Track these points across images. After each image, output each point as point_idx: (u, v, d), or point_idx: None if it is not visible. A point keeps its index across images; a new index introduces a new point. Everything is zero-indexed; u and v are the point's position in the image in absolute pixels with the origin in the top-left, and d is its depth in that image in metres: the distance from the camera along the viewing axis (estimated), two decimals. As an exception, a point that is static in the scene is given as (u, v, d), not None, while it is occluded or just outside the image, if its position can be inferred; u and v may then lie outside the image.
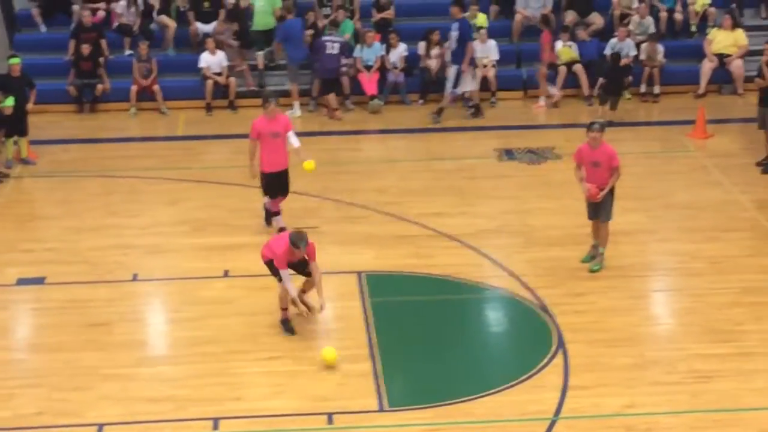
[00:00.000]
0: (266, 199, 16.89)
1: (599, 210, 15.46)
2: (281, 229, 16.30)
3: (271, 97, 16.38)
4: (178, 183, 19.38)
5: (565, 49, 23.85)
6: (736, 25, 24.01)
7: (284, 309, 14.10)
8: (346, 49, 23.47)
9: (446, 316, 14.65)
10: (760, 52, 20.28)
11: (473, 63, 22.58)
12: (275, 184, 16.62)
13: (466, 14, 23.11)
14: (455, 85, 22.31)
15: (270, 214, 17.00)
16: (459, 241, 16.58)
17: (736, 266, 15.65)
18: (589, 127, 15.29)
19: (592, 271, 15.52)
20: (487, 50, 23.85)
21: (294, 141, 16.47)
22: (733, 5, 25.33)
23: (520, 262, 15.90)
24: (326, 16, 24.52)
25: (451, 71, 22.36)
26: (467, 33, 22.23)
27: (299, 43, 23.41)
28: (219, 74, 23.51)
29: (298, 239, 13.56)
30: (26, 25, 25.21)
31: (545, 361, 13.28)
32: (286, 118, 16.77)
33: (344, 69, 23.31)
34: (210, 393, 12.67)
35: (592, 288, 15.11)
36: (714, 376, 12.91)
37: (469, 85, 22.59)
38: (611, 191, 15.35)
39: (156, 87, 23.47)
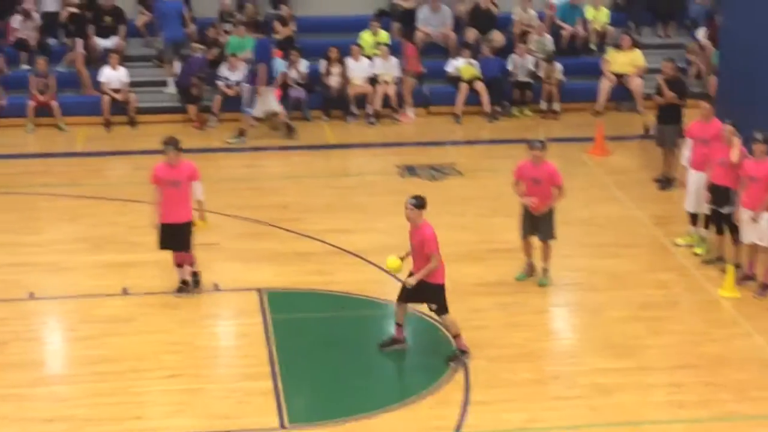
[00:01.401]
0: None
1: (538, 227, 15.56)
2: (183, 282, 15.44)
3: (170, 143, 15.10)
4: (77, 200, 19.12)
5: (466, 67, 24.02)
6: (633, 44, 24.36)
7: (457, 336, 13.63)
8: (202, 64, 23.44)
9: (348, 333, 14.62)
10: (658, 70, 20.57)
11: (272, 83, 22.48)
12: (167, 238, 15.16)
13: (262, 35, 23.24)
14: (250, 104, 22.32)
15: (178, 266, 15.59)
16: (361, 257, 16.56)
17: (635, 281, 15.83)
18: (531, 144, 15.45)
19: (541, 285, 15.64)
20: (389, 67, 23.93)
21: (198, 192, 15.64)
22: (631, 24, 25.71)
23: (421, 278, 15.90)
24: (227, 32, 24.40)
25: (245, 91, 22.43)
26: (261, 53, 22.26)
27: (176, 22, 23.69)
28: (118, 90, 23.26)
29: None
30: None
31: (446, 376, 13.29)
32: (190, 166, 15.27)
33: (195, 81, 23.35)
34: (109, 412, 12.48)
35: (493, 304, 15.18)
36: (614, 390, 13.02)
37: (269, 106, 22.53)
38: (551, 210, 15.47)
39: (54, 103, 23.15)
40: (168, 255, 16.49)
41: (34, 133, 23.00)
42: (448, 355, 13.71)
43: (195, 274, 15.48)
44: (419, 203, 13.48)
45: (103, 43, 24.25)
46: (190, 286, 15.39)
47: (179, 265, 15.36)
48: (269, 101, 22.41)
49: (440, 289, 13.54)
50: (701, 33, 25.01)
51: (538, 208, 15.41)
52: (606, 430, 12.27)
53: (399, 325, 13.90)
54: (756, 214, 15.13)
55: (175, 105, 23.72)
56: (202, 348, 14.10)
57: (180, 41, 24.02)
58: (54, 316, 15.05)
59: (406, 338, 13.96)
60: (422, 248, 13.52)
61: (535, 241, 15.81)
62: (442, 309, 13.57)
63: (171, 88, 23.66)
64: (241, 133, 22.40)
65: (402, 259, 13.60)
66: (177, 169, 15.03)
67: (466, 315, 14.72)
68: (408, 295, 13.68)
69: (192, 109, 23.34)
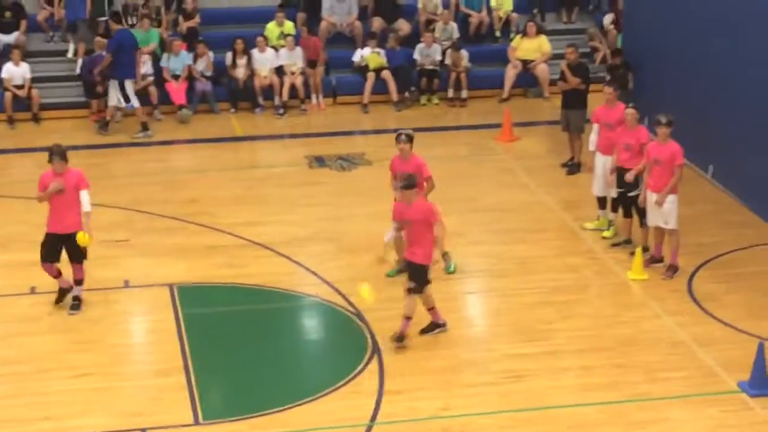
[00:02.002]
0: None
1: None
2: (61, 291, 14.84)
3: (56, 153, 14.43)
4: (-19, 199, 18.84)
5: (373, 56, 24.02)
6: (539, 31, 24.54)
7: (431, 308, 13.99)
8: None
9: (260, 326, 14.58)
10: (562, 56, 20.75)
11: (119, 75, 22.13)
12: (50, 248, 14.60)
13: (123, 26, 23.14)
14: (126, 99, 22.12)
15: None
16: (272, 249, 16.51)
17: (544, 266, 15.97)
18: (396, 138, 15.32)
19: (448, 272, 15.62)
20: (294, 57, 23.86)
21: (85, 203, 14.55)
22: (535, 11, 25.89)
23: (333, 269, 15.92)
24: (132, 26, 24.15)
25: (111, 85, 22.23)
26: (121, 45, 22.07)
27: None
28: (21, 86, 22.92)
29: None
30: None
31: (360, 367, 13.31)
32: (77, 174, 14.66)
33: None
34: (18, 413, 12.33)
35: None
36: (525, 375, 13.14)
37: (113, 100, 22.29)
38: None
39: (-45, 100, 22.76)
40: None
41: (-66, 132, 22.60)
42: (422, 328, 13.95)
43: (77, 299, 14.80)
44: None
45: (3, 38, 23.86)
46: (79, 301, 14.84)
47: (58, 276, 14.79)
48: (113, 95, 22.21)
49: (425, 269, 13.66)
50: (607, 19, 25.24)
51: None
52: (518, 415, 12.36)
53: (431, 309, 14.01)
54: (661, 197, 15.32)
55: (79, 100, 23.42)
56: (113, 345, 13.96)
57: (81, 19, 24.02)
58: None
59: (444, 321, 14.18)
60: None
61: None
62: (418, 290, 13.67)
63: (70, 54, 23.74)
64: (145, 127, 22.17)
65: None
66: (63, 178, 14.45)
67: (379, 305, 14.70)
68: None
69: (96, 103, 23.06)
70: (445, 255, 15.50)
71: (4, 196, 18.94)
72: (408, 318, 13.73)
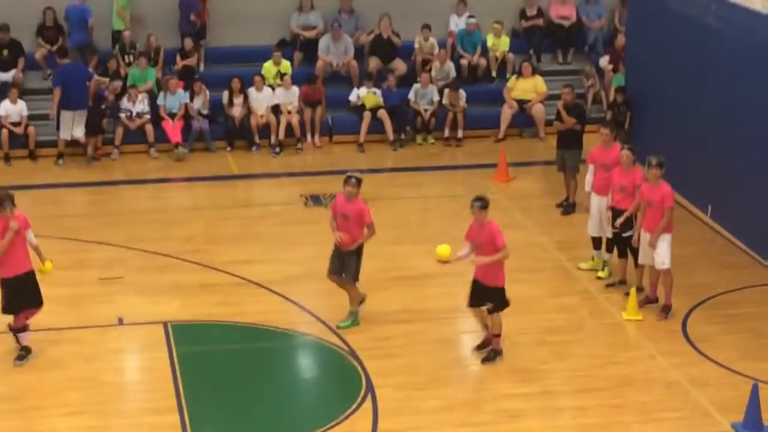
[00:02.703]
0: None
1: (344, 267, 15.22)
2: (23, 350, 14.49)
3: (5, 201, 14.27)
4: (-24, 235, 18.78)
5: (369, 95, 24.10)
6: (534, 71, 24.63)
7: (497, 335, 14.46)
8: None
9: (255, 365, 14.57)
10: (558, 96, 20.83)
11: (71, 106, 22.58)
12: (21, 292, 14.39)
13: (67, 61, 23.16)
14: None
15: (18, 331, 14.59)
16: (267, 288, 16.52)
17: (539, 306, 15.98)
18: (345, 180, 15.10)
19: (339, 327, 15.28)
20: (290, 96, 23.94)
21: (32, 238, 14.55)
22: (532, 52, 26.00)
23: (327, 308, 15.90)
24: (128, 64, 24.26)
25: (63, 117, 22.63)
26: (61, 79, 22.47)
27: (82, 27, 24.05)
28: (18, 124, 22.96)
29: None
30: None
31: (354, 406, 13.29)
32: (22, 216, 14.47)
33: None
34: (11, 451, 12.31)
35: (400, 331, 15.21)
36: (520, 415, 13.12)
37: (71, 131, 22.63)
38: (359, 251, 15.21)
39: (-49, 137, 22.79)
40: (69, 289, 16.36)
41: (-69, 169, 22.62)
42: (482, 356, 14.42)
43: (25, 349, 14.49)
44: (484, 204, 14.32)
45: (1, 76, 23.92)
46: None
47: (23, 328, 14.51)
48: (70, 127, 22.62)
49: (503, 291, 14.32)
50: (603, 60, 25.35)
51: (344, 244, 14.99)
52: (514, 455, 12.36)
53: (487, 327, 14.57)
54: (652, 239, 15.36)
55: (75, 139, 23.43)
56: (107, 383, 13.94)
57: (84, 45, 24.12)
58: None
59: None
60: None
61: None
62: (497, 308, 14.30)
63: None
64: (60, 156, 22.68)
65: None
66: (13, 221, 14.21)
67: (372, 344, 14.79)
68: (476, 299, 14.41)
69: (92, 141, 23.10)
70: (350, 313, 15.43)
71: (0, 233, 18.90)
72: (496, 336, 14.43)
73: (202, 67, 25.21)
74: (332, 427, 12.84)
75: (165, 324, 15.40)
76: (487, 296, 14.29)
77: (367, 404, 13.33)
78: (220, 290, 16.57)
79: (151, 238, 18.65)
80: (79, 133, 22.73)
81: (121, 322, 15.53)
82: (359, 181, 15.05)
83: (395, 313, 15.78)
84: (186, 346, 14.83)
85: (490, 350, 14.46)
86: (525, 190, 21.32)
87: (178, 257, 17.83)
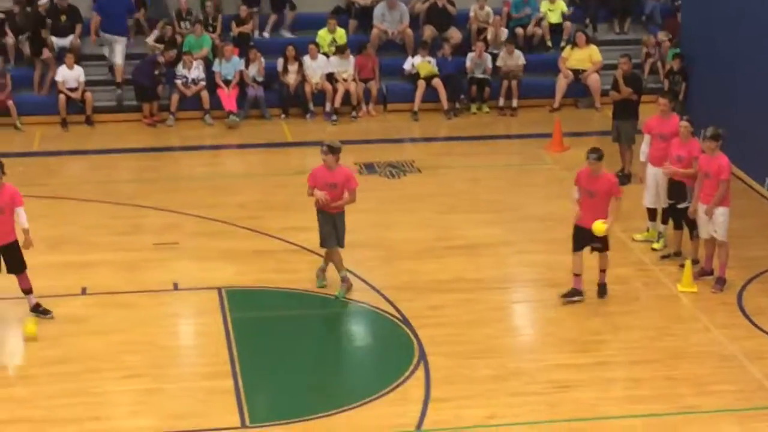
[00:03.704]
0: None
1: (336, 233, 15.29)
2: (36, 307, 14.66)
3: None
4: (34, 200, 18.88)
5: (424, 64, 24.05)
6: (589, 41, 24.47)
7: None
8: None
9: (308, 331, 14.63)
10: (614, 66, 20.69)
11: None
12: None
13: None
14: None
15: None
16: (320, 255, 16.51)
17: (593, 277, 15.88)
18: (321, 148, 15.08)
19: (338, 297, 15.29)
20: (345, 65, 23.93)
21: (22, 219, 14.29)
22: (587, 21, 25.83)
23: (380, 276, 15.94)
24: (184, 31, 24.34)
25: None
26: (98, 6, 23.32)
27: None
28: (75, 89, 23.12)
29: None
30: None
31: (407, 374, 13.31)
32: (12, 190, 14.31)
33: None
34: (67, 413, 12.42)
35: (452, 301, 15.21)
36: (573, 385, 13.08)
37: None
38: (343, 213, 15.31)
39: (10, 102, 22.98)
40: (124, 254, 16.53)
41: (-10, 133, 22.85)
42: (599, 285, 15.31)
43: (38, 306, 14.65)
44: (600, 156, 14.86)
45: (59, 42, 24.08)
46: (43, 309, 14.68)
47: (28, 291, 14.63)
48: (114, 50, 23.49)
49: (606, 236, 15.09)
50: (662, 34, 25.11)
51: (331, 202, 14.99)
52: (565, 425, 12.31)
53: (578, 276, 15.17)
54: (708, 209, 15.25)
55: (131, 103, 23.60)
56: (162, 347, 14.05)
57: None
58: (12, 316, 14.89)
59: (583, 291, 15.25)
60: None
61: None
62: (605, 248, 15.15)
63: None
64: (118, 86, 23.30)
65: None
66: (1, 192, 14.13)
67: (424, 312, 14.80)
68: (583, 242, 15.11)
69: (147, 106, 23.25)
70: (344, 278, 15.43)
71: (57, 197, 19.11)
72: (603, 270, 15.28)
73: (257, 34, 25.24)
74: (385, 394, 12.87)
75: (219, 290, 15.49)
76: (592, 238, 14.92)
77: (420, 372, 13.35)
78: (273, 257, 16.64)
79: (206, 204, 18.75)
80: (119, 60, 23.30)
81: (176, 287, 15.63)
82: (332, 149, 14.94)
83: (448, 282, 15.78)
84: (240, 311, 14.91)
85: (600, 286, 15.27)
86: (579, 160, 20.99)
87: (232, 223, 17.92)
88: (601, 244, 15.09)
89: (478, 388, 13.03)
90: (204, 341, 14.29)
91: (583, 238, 15.08)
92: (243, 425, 12.27)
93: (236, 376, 13.23)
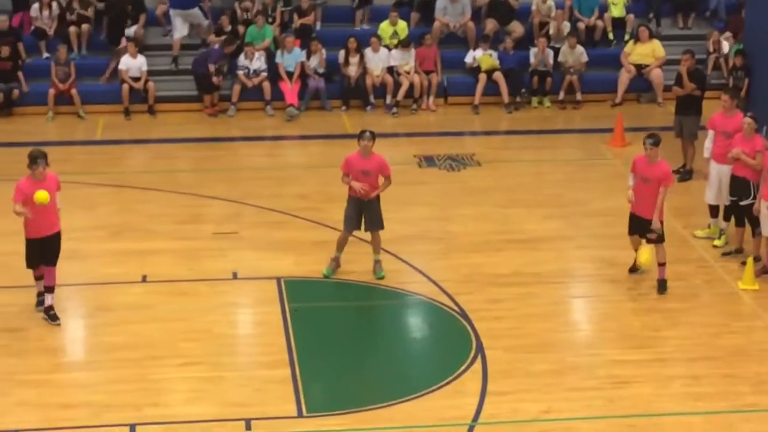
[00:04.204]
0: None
1: (369, 218, 15.40)
2: (49, 309, 14.24)
3: (40, 158, 13.88)
4: (96, 188, 19.17)
5: (485, 57, 24.00)
6: (652, 36, 24.30)
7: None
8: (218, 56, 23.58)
9: (366, 322, 14.67)
10: (677, 62, 20.51)
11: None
12: (37, 254, 14.19)
13: None
14: None
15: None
16: (381, 248, 16.56)
17: (653, 273, 15.79)
18: (360, 135, 15.30)
19: (379, 277, 15.50)
20: (407, 57, 23.92)
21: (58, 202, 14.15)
22: (651, 16, 25.65)
23: (439, 269, 15.94)
24: (246, 21, 24.42)
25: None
26: None
27: None
28: (137, 79, 23.30)
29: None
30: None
31: (464, 367, 13.31)
32: (54, 177, 14.23)
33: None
34: (127, 399, 12.53)
35: (511, 294, 15.17)
36: (631, 381, 13.02)
37: None
38: (378, 200, 15.44)
39: (74, 91, 23.21)
40: (184, 243, 16.63)
41: (55, 121, 23.06)
42: (659, 281, 15.22)
43: (50, 309, 14.22)
44: (657, 141, 14.95)
45: (124, 31, 24.27)
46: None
47: (41, 277, 14.32)
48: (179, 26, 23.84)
49: (660, 222, 15.07)
50: (722, 36, 24.86)
51: (367, 194, 15.21)
52: (622, 421, 12.25)
53: (663, 264, 15.26)
54: (773, 207, 15.14)
55: (193, 94, 23.74)
56: (220, 336, 14.14)
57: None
58: (73, 303, 15.05)
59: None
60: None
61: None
62: (660, 238, 15.08)
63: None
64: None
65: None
66: (44, 184, 13.88)
67: (483, 305, 14.78)
68: (636, 230, 15.32)
69: (208, 97, 23.38)
70: (377, 263, 15.60)
71: (119, 185, 19.27)
72: (662, 264, 15.18)
73: (318, 26, 25.29)
74: (441, 387, 12.87)
75: (278, 279, 15.55)
76: (645, 229, 15.05)
77: (477, 365, 13.34)
78: (332, 248, 16.63)
79: (266, 194, 18.83)
80: (185, 32, 23.94)
81: (235, 276, 15.72)
82: (374, 135, 15.31)
83: (507, 275, 15.74)
84: (298, 301, 14.96)
85: (659, 282, 15.22)
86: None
87: (291, 214, 17.98)
88: (656, 235, 15.03)
89: (535, 382, 13.00)
90: (262, 330, 14.36)
91: (636, 225, 15.23)
92: (299, 414, 12.32)
93: (293, 366, 13.28)
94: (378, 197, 15.43)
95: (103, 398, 12.55)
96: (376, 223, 15.51)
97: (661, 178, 14.88)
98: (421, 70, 23.93)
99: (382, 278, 15.47)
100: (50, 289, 14.24)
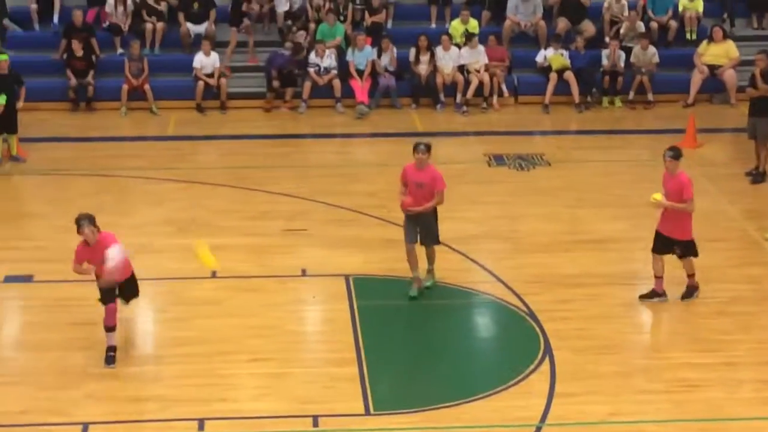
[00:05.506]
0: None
1: (425, 233, 14.90)
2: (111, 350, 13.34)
3: (81, 220, 12.81)
4: (167, 183, 19.37)
5: (556, 57, 23.91)
6: (726, 36, 24.07)
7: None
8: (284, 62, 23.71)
9: (433, 321, 14.65)
10: (751, 62, 20.32)
11: None
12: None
13: None
14: None
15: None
16: (447, 245, 16.54)
17: (723, 276, 15.66)
18: (415, 147, 14.74)
19: (426, 287, 15.11)
20: (477, 55, 23.90)
21: (111, 257, 12.88)
22: (725, 16, 25.41)
23: (507, 268, 15.91)
24: (318, 20, 24.54)
25: None
26: None
27: None
28: (211, 75, 23.49)
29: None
30: (15, 22, 25.07)
31: (532, 367, 13.28)
32: (109, 238, 13.06)
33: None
34: (196, 393, 12.64)
35: (579, 295, 15.11)
36: (700, 385, 12.91)
37: None
38: (434, 214, 14.91)
39: (147, 86, 23.45)
40: (254, 239, 16.73)
41: (128, 117, 23.32)
42: (682, 294, 14.87)
43: (111, 349, 13.33)
44: (676, 154, 14.49)
45: (194, 29, 24.50)
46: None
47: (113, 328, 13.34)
48: None
49: (692, 243, 14.64)
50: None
51: (407, 205, 14.64)
52: (691, 425, 12.16)
53: (659, 278, 14.75)
54: None
55: (263, 90, 23.87)
56: (289, 332, 14.22)
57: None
58: (144, 297, 15.03)
59: (665, 292, 14.89)
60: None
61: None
62: (686, 254, 14.67)
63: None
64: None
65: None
66: (97, 247, 12.97)
67: (552, 306, 14.73)
68: (661, 247, 14.70)
69: (290, 91, 23.48)
70: (429, 272, 15.27)
71: (190, 181, 19.44)
72: (691, 275, 14.86)
73: (390, 24, 25.33)
74: (509, 387, 12.85)
75: (346, 277, 15.60)
76: (673, 246, 14.64)
77: (545, 366, 13.30)
78: (401, 246, 16.58)
79: (335, 191, 18.90)
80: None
81: (304, 273, 15.79)
82: (429, 147, 14.73)
83: (575, 276, 15.68)
84: (366, 299, 15.00)
85: (687, 287, 14.90)
86: (713, 157, 20.89)
87: (360, 212, 18.03)
88: (681, 251, 14.58)
89: (604, 384, 12.93)
90: (330, 327, 14.42)
91: (660, 243, 14.70)
92: (367, 412, 12.36)
93: (361, 364, 13.32)
94: (434, 211, 14.92)
95: (173, 392, 12.67)
96: (430, 238, 15.02)
97: (679, 191, 14.34)
98: (491, 68, 23.86)
99: (429, 288, 15.19)
100: (108, 329, 13.34)
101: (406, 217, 14.93)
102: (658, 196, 14.33)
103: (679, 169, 14.42)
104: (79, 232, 12.91)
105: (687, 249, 14.61)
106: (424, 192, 14.65)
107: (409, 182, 14.75)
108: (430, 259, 15.24)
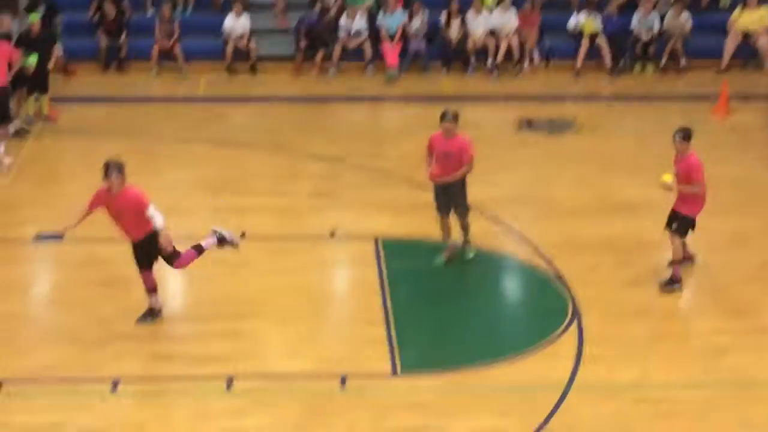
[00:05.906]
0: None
1: (454, 201, 14.68)
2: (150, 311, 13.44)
3: (111, 167, 12.73)
4: (197, 144, 19.38)
5: (588, 22, 23.77)
6: (761, 2, 23.87)
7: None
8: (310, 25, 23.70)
9: (462, 284, 14.63)
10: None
11: None
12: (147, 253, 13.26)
13: None
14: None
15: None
16: (477, 209, 16.49)
17: (756, 241, 15.57)
18: (442, 116, 14.45)
19: (466, 259, 14.96)
20: (508, 18, 23.77)
21: (158, 221, 12.85)
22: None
23: (537, 232, 15.86)
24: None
25: None
26: None
27: None
28: (240, 37, 23.47)
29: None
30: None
31: (560, 330, 13.26)
32: (136, 196, 12.89)
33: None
34: (223, 351, 12.69)
35: (609, 260, 15.06)
36: (730, 349, 12.86)
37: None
38: (463, 182, 14.64)
39: (178, 49, 23.44)
40: (283, 200, 16.73)
41: (158, 78, 23.34)
42: (661, 281, 14.28)
43: (151, 312, 13.42)
44: (685, 135, 14.08)
45: (226, -10, 24.51)
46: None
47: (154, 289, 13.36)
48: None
49: (691, 220, 14.15)
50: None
51: (434, 176, 14.39)
52: (720, 389, 12.12)
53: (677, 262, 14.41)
54: None
55: (294, 53, 23.84)
56: (318, 293, 14.24)
57: None
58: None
59: (693, 255, 14.79)
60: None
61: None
62: (681, 233, 14.18)
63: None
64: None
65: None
66: (120, 198, 12.86)
67: (581, 270, 14.70)
68: (447, 201, 14.44)
69: (321, 53, 23.46)
70: (466, 243, 15.08)
71: (220, 142, 19.44)
72: (675, 262, 14.27)
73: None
74: (536, 350, 12.84)
75: (375, 239, 15.60)
76: (679, 222, 14.22)
77: (572, 329, 13.27)
78: (430, 209, 16.57)
79: (364, 154, 18.88)
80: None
81: (332, 234, 15.79)
82: (456, 116, 14.42)
83: (605, 241, 15.62)
84: (395, 262, 14.99)
85: (670, 277, 14.30)
86: (746, 123, 20.74)
87: (390, 174, 18.00)
88: (677, 224, 14.19)
89: (632, 348, 12.90)
90: (359, 289, 14.42)
91: (671, 218, 14.40)
92: (394, 372, 12.37)
93: (389, 325, 13.33)
94: (463, 180, 14.67)
95: (199, 351, 12.72)
96: (462, 208, 14.78)
97: (688, 172, 13.96)
98: (521, 34, 23.75)
99: (469, 260, 15.10)
100: (149, 290, 13.41)
101: (435, 187, 14.72)
102: (668, 177, 14.02)
103: (689, 150, 14.08)
104: (106, 176, 12.71)
105: (682, 224, 14.17)
106: (452, 161, 14.37)
107: (437, 152, 14.43)
108: (465, 230, 15.01)
